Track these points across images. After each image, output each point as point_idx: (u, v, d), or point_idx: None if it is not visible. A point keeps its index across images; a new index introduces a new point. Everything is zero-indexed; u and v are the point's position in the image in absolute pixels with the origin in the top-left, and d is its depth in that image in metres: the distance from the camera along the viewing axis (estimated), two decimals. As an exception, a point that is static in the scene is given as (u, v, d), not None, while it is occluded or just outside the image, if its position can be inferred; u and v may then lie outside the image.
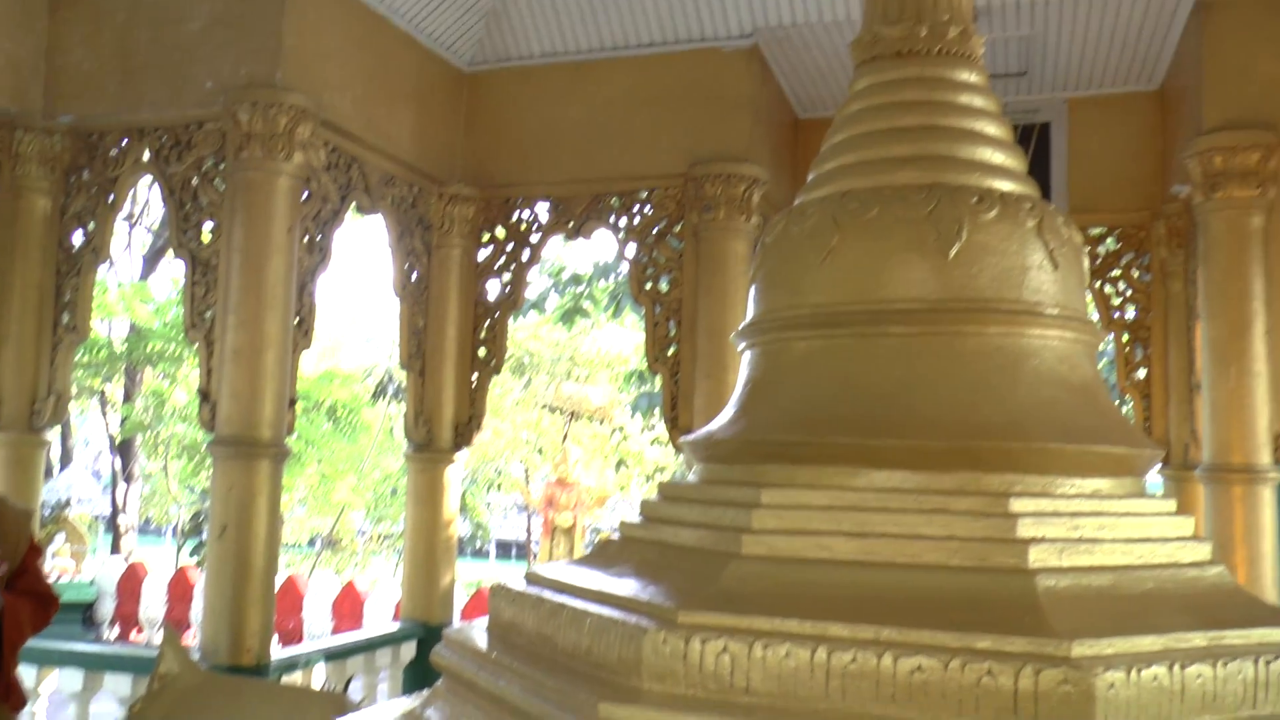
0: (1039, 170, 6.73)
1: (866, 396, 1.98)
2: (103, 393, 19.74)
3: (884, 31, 2.47)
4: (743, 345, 2.27)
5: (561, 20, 6.19)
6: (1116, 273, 6.67)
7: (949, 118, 2.35)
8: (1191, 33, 5.57)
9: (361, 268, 48.77)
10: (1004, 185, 2.29)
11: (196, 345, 5.20)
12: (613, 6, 6.04)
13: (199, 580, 11.59)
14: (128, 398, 19.15)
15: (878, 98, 2.43)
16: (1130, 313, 6.61)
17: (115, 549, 18.48)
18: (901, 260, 2.08)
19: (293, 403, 5.21)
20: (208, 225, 5.23)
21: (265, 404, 4.93)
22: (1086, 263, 2.34)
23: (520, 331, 21.61)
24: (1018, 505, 1.76)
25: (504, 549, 34.25)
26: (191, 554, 18.14)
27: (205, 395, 5.07)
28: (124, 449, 19.21)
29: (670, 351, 6.08)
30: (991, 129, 2.38)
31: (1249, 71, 5.28)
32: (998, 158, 2.33)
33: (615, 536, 2.23)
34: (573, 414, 22.88)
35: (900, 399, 1.95)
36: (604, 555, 2.15)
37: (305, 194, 5.25)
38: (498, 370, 6.74)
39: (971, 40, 2.46)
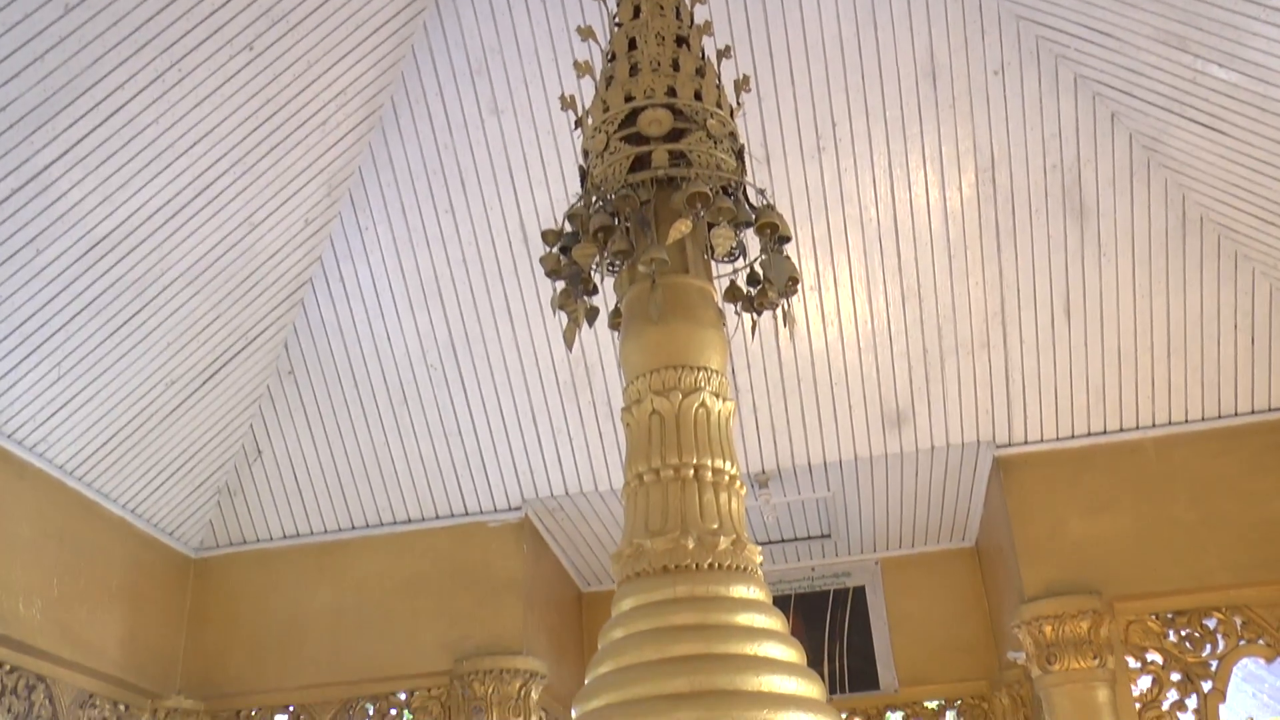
0: (859, 639, 6.12)
1: None
2: None
3: (647, 544, 2.19)
4: None
5: (306, 499, 5.43)
6: (968, 754, 5.92)
7: (728, 643, 2.02)
8: (995, 492, 5.25)
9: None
10: (797, 719, 1.90)
11: None
12: (365, 482, 5.36)
13: None
14: None
15: (646, 621, 2.09)
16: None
17: None
18: None
19: None
20: None
21: None
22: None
23: None
24: None
25: None
26: None
27: None
28: None
29: None
30: (778, 650, 2.04)
31: (1059, 532, 4.92)
32: (789, 685, 1.97)
33: None
34: None
35: None
36: None
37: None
38: None
39: (745, 550, 2.19)
